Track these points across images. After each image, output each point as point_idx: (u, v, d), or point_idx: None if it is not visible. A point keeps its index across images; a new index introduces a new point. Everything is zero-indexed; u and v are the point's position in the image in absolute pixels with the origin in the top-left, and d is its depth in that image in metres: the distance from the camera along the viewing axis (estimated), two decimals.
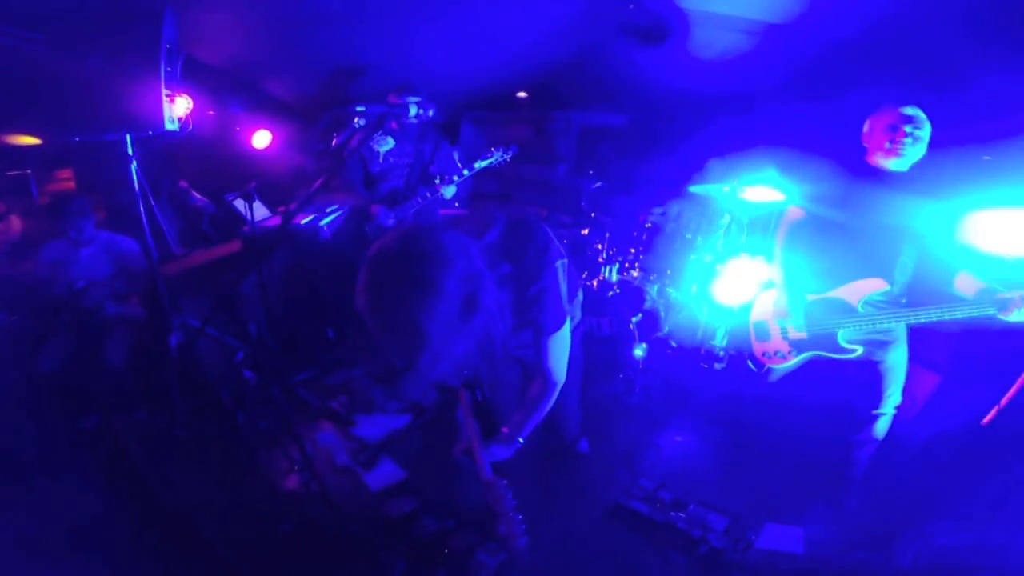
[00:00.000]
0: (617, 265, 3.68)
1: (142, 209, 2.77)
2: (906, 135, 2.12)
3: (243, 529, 2.30)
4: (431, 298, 1.21)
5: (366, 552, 2.20)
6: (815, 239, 2.36)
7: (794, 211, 2.47)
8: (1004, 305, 1.90)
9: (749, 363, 2.71)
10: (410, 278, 1.21)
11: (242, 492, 2.56)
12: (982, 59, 2.91)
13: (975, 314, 1.98)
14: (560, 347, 1.67)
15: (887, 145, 2.15)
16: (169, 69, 2.57)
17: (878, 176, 2.20)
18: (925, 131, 2.13)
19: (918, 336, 2.39)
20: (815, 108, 3.63)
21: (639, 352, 3.28)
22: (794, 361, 2.46)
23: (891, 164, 2.17)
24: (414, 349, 1.26)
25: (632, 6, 3.40)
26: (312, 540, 2.28)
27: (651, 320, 3.45)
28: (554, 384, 1.71)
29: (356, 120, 2.77)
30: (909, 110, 2.15)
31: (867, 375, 2.31)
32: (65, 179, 4.49)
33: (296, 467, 2.68)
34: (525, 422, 1.74)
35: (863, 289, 2.22)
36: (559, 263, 1.60)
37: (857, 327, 2.24)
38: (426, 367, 1.30)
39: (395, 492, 2.57)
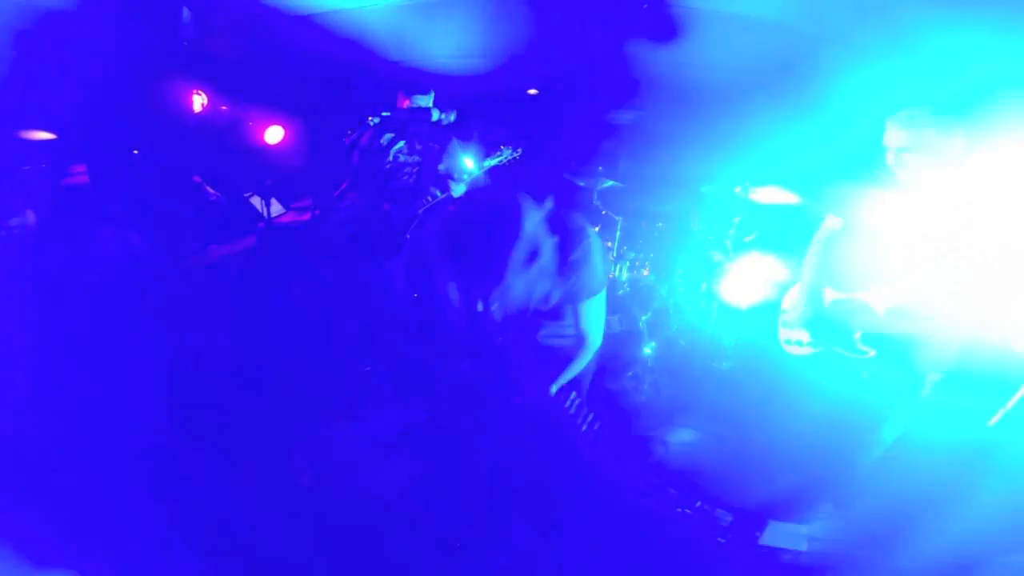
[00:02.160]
0: (628, 263, 3.70)
1: (156, 204, 2.80)
2: (889, 165, 2.02)
3: (257, 525, 2.36)
4: (515, 235, 1.46)
5: (380, 546, 2.25)
6: (849, 240, 2.33)
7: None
8: None
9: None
10: (501, 217, 1.48)
11: (256, 488, 2.60)
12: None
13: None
14: (596, 312, 1.87)
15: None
16: (187, 64, 2.60)
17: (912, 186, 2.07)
18: (922, 150, 1.94)
19: None
20: (833, 109, 3.61)
21: (648, 350, 3.31)
22: (811, 353, 2.48)
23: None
24: (490, 280, 1.49)
25: (645, 5, 3.39)
26: (325, 536, 2.33)
27: (661, 319, 3.48)
28: (590, 345, 1.90)
29: (370, 119, 2.79)
30: (894, 137, 1.98)
31: (886, 376, 2.29)
32: (79, 173, 4.52)
33: (309, 463, 2.72)
34: (557, 374, 1.91)
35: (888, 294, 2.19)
36: (596, 240, 1.81)
37: (876, 330, 2.23)
38: (494, 302, 1.52)
39: (408, 486, 2.62)
